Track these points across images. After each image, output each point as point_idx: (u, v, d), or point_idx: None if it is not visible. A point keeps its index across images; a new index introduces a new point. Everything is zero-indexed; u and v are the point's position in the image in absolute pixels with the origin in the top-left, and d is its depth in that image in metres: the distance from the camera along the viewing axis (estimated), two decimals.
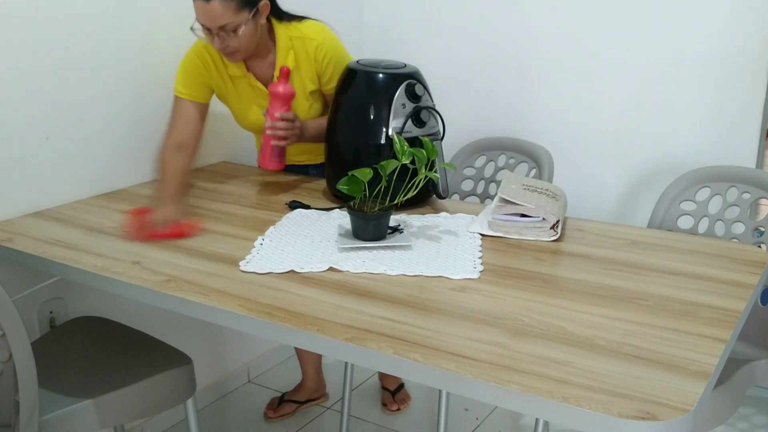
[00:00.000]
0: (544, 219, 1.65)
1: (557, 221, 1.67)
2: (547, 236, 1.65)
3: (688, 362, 1.11)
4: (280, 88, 1.91)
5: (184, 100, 2.00)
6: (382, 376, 2.57)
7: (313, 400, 2.52)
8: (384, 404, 2.50)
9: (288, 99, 1.93)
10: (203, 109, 2.04)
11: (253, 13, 1.85)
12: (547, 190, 1.76)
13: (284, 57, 2.00)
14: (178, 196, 1.84)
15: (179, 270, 1.48)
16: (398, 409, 2.46)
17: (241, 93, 2.06)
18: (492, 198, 2.25)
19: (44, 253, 1.58)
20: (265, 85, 2.02)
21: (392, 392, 2.51)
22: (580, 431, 1.02)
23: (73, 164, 1.98)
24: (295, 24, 2.02)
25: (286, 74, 1.92)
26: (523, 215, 1.67)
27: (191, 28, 1.89)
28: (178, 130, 1.98)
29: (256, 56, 2.00)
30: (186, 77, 2.01)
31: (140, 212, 1.73)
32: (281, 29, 2.00)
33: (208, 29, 1.85)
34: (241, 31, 1.84)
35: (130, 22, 2.07)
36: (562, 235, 1.69)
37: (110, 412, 1.51)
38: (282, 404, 2.48)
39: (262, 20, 1.91)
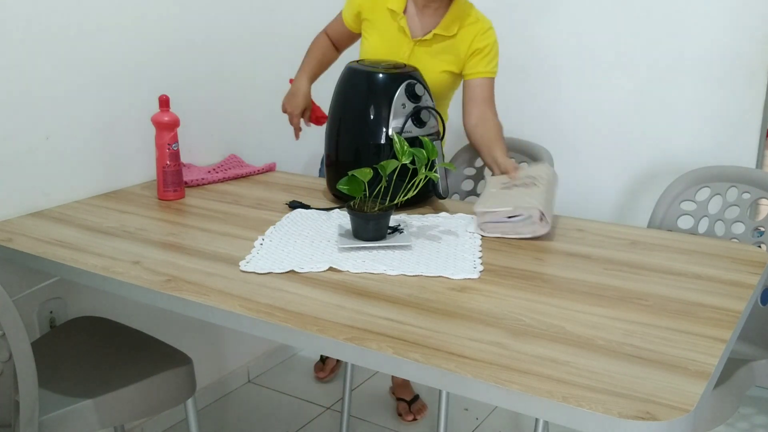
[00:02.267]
0: (530, 216, 1.64)
1: (542, 213, 1.64)
2: (542, 229, 1.64)
3: (688, 362, 1.11)
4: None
5: (340, 16, 2.18)
6: (397, 387, 2.53)
7: None
8: (399, 414, 2.46)
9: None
10: (352, 35, 2.19)
11: None
12: (528, 176, 1.76)
13: (449, 23, 2.02)
14: (312, 75, 2.17)
15: (179, 270, 1.48)
16: (414, 419, 2.44)
17: (386, 29, 2.06)
18: None
19: (44, 253, 1.58)
20: (413, 34, 2.04)
21: (408, 402, 2.47)
22: (580, 431, 1.02)
23: (73, 164, 1.98)
24: (471, 4, 2.07)
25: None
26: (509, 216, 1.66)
27: None
28: (332, 34, 2.22)
29: (426, 7, 2.02)
30: (349, 2, 2.14)
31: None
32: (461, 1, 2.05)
33: None
34: None
35: (130, 22, 2.07)
36: (562, 235, 1.69)
37: (110, 412, 1.51)
38: (327, 362, 2.62)
39: None
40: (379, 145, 1.84)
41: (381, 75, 1.87)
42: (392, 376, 2.55)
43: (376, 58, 2.05)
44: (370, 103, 1.86)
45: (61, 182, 1.95)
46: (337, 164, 1.93)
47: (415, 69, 1.92)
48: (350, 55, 2.18)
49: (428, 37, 2.02)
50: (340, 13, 2.17)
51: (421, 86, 1.87)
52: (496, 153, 1.96)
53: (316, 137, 2.20)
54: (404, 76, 1.87)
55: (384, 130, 1.83)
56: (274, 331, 1.26)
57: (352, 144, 1.90)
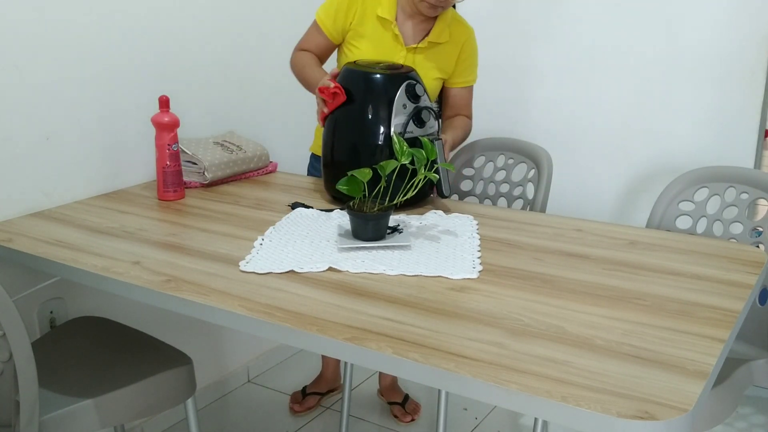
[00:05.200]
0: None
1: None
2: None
3: (687, 362, 1.12)
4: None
5: (320, 29, 2.08)
6: (385, 392, 2.53)
7: (333, 390, 2.55)
8: (395, 416, 2.46)
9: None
10: (332, 46, 2.12)
11: None
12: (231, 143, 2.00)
13: (440, 30, 2.05)
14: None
15: (179, 270, 1.48)
16: (412, 420, 2.44)
17: (378, 37, 2.05)
18: (491, 198, 2.25)
19: (44, 253, 1.58)
20: (407, 39, 2.05)
21: (401, 404, 2.47)
22: (579, 431, 1.02)
23: (73, 164, 1.98)
24: (453, 8, 2.09)
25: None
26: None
27: None
28: (314, 49, 2.11)
29: (415, 15, 2.03)
30: (330, 8, 2.06)
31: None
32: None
33: None
34: None
35: (131, 22, 2.07)
36: (561, 235, 1.70)
37: (110, 412, 1.51)
38: (306, 397, 2.51)
39: None
40: (378, 146, 1.84)
41: (380, 75, 1.87)
42: (379, 378, 2.55)
43: None
44: (369, 103, 1.86)
45: (61, 182, 1.95)
46: (334, 165, 1.93)
47: (413, 69, 1.93)
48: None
49: (422, 45, 2.04)
50: (317, 28, 2.08)
51: (420, 87, 1.88)
52: (446, 132, 2.02)
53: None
54: (403, 76, 1.87)
55: (383, 130, 1.83)
56: (274, 331, 1.26)
57: (351, 144, 1.90)
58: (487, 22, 2.65)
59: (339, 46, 2.12)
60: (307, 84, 2.06)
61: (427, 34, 2.05)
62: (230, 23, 2.40)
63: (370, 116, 1.85)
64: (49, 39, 1.88)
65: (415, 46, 2.04)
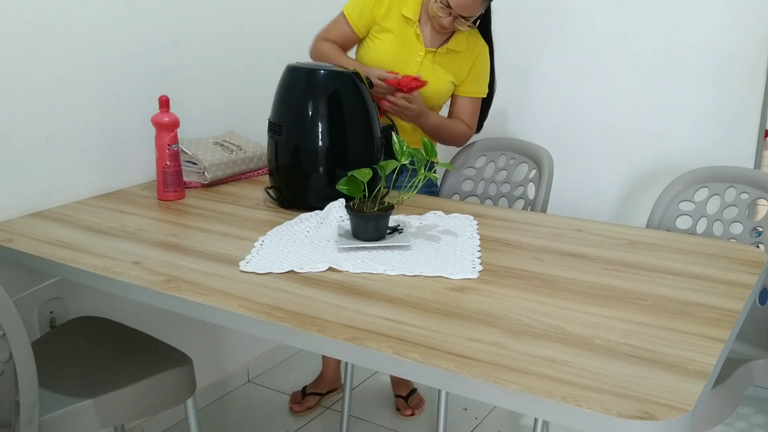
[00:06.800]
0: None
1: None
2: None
3: (687, 362, 1.12)
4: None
5: (346, 21, 2.13)
6: (394, 384, 2.56)
7: (333, 390, 2.55)
8: (398, 409, 2.48)
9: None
10: (356, 39, 2.16)
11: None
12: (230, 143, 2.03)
13: (459, 40, 2.13)
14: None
15: (179, 270, 1.48)
16: (412, 414, 2.45)
17: (401, 34, 2.11)
18: (492, 198, 2.25)
19: (44, 253, 1.58)
20: (426, 41, 2.12)
21: (405, 398, 2.49)
22: (579, 431, 1.02)
23: (73, 164, 1.98)
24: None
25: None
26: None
27: None
28: (338, 40, 2.15)
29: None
30: (358, 1, 2.11)
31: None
32: None
33: (449, 9, 1.99)
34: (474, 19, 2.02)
35: (131, 22, 2.07)
36: (561, 235, 1.70)
37: (110, 412, 1.51)
38: (306, 397, 2.51)
39: None
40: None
41: (324, 71, 1.85)
42: None
43: (387, 60, 2.11)
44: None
45: (61, 182, 1.95)
46: (279, 169, 1.89)
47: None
48: (350, 54, 2.18)
49: (441, 50, 2.11)
50: (344, 19, 2.15)
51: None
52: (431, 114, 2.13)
53: None
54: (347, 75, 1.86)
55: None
56: (274, 331, 1.26)
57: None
58: None
59: (362, 39, 2.17)
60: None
61: (446, 41, 2.13)
62: (230, 23, 2.40)
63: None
64: (49, 39, 1.88)
65: (434, 50, 2.11)
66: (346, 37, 2.16)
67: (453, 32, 2.12)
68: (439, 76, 2.12)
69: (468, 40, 2.14)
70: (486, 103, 2.23)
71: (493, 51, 2.19)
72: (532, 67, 2.62)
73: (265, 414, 2.49)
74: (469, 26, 2.05)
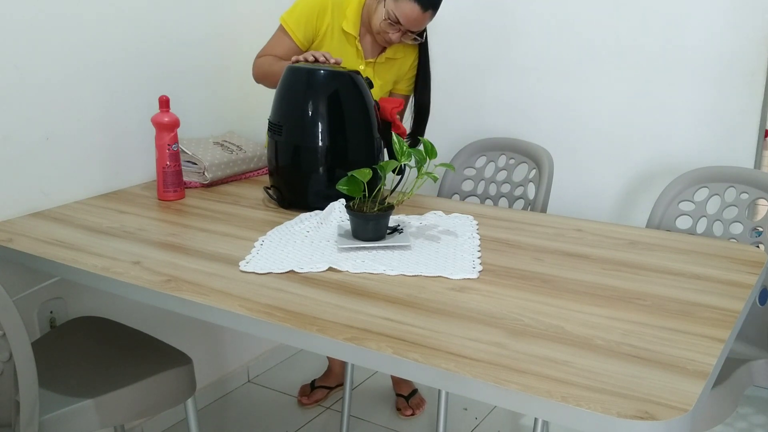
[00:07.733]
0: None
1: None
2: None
3: (687, 362, 1.12)
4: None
5: (287, 35, 2.09)
6: (396, 383, 2.57)
7: (341, 384, 2.57)
8: (398, 409, 2.49)
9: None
10: (299, 53, 2.08)
11: None
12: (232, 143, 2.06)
13: (396, 48, 2.15)
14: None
15: (179, 270, 1.48)
16: (413, 414, 2.46)
17: (342, 49, 2.12)
18: (492, 198, 2.25)
19: (44, 253, 1.58)
20: (366, 53, 2.14)
21: (406, 397, 2.50)
22: (579, 431, 1.02)
23: (73, 164, 1.98)
24: None
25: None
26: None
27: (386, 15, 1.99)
28: (281, 56, 2.09)
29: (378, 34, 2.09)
30: (300, 16, 2.08)
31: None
32: None
33: (398, 25, 1.98)
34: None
35: (131, 22, 2.07)
36: (561, 235, 1.70)
37: (110, 412, 1.51)
38: (314, 390, 2.53)
39: None
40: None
41: (323, 72, 1.85)
42: None
43: None
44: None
45: (61, 182, 1.95)
46: (279, 169, 1.88)
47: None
48: None
49: (380, 60, 2.14)
50: (285, 35, 2.09)
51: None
52: None
53: None
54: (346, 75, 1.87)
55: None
56: (274, 331, 1.26)
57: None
58: (487, 22, 2.65)
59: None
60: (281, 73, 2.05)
61: (383, 50, 2.16)
62: (230, 23, 2.40)
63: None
64: (49, 39, 1.88)
65: (373, 60, 2.14)
66: (288, 52, 2.08)
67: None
68: (382, 84, 2.17)
69: (404, 47, 2.16)
70: (425, 108, 2.23)
71: (428, 57, 2.20)
72: (532, 67, 2.62)
73: (265, 414, 2.49)
74: (415, 38, 2.06)
